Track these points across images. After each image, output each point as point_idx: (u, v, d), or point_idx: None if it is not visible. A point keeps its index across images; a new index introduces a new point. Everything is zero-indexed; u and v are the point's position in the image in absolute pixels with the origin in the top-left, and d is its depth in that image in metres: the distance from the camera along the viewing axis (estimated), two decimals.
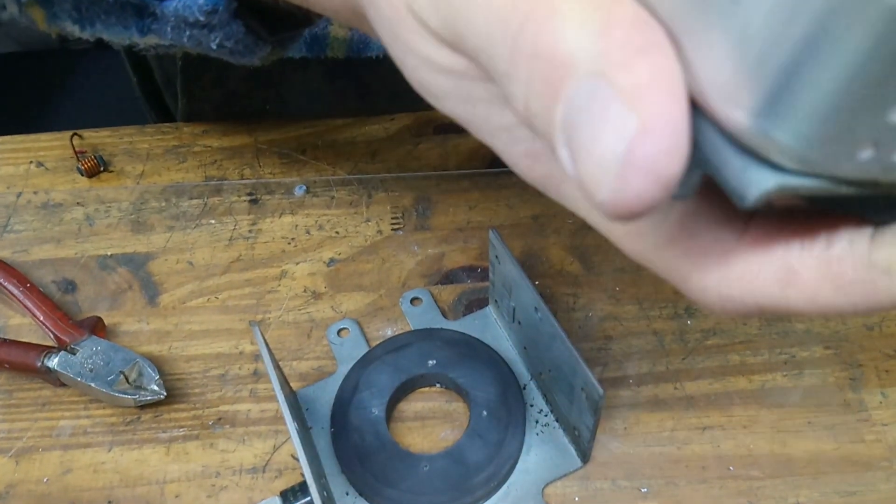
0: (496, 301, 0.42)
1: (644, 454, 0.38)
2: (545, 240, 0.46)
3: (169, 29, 0.29)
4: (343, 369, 0.41)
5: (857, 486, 0.36)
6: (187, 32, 0.29)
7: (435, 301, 0.44)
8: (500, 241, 0.37)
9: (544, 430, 0.39)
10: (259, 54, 0.32)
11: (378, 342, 0.42)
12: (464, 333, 0.41)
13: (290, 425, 0.32)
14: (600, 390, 0.32)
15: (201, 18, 0.28)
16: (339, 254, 0.47)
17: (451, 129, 0.53)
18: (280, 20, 0.33)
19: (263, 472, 0.38)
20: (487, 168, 0.51)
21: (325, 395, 0.40)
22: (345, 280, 0.45)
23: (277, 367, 0.35)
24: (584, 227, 0.47)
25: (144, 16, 0.30)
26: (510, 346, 0.42)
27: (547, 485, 0.37)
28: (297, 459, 0.35)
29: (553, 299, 0.44)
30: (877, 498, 0.36)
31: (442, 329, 0.42)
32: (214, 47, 0.30)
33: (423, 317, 0.43)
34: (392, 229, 0.48)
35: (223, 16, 0.29)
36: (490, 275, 0.41)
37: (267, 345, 0.34)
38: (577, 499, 0.36)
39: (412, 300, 0.44)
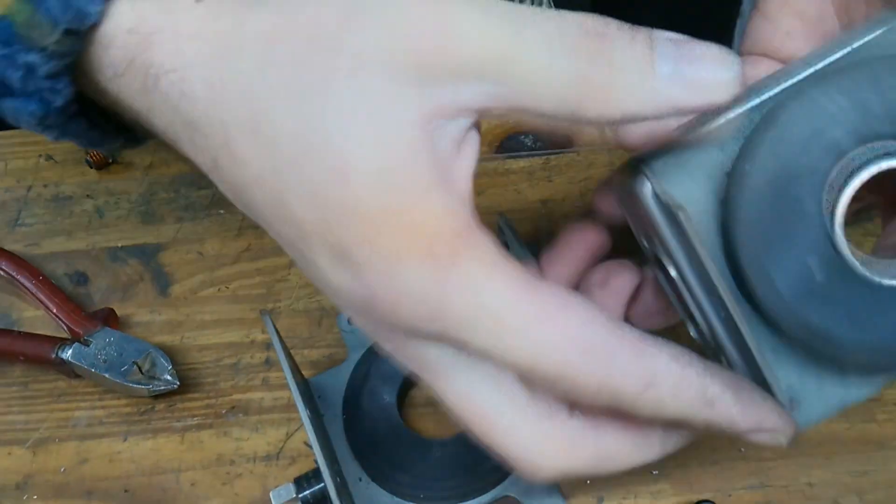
0: None
1: None
2: (554, 224, 0.46)
3: (8, 118, 0.28)
4: (354, 356, 0.41)
5: (869, 465, 0.36)
6: (24, 127, 0.28)
7: None
8: (510, 226, 0.37)
9: None
10: (109, 147, 0.31)
11: None
12: None
13: (303, 413, 0.32)
14: None
15: (33, 122, 0.27)
16: None
17: None
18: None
19: (277, 459, 0.38)
20: (495, 153, 0.50)
21: (337, 382, 0.40)
22: None
23: (289, 356, 0.35)
24: (592, 212, 0.47)
25: None
26: None
27: None
28: (310, 446, 0.35)
29: None
30: (889, 477, 0.36)
31: None
32: (52, 139, 0.29)
33: None
34: None
35: (57, 118, 0.28)
36: None
37: (278, 333, 0.35)
38: (588, 481, 0.36)
39: None
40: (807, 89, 0.24)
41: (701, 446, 0.37)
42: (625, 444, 0.25)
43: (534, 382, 0.24)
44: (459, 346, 0.23)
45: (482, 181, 0.49)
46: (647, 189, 0.25)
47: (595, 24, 0.22)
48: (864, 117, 0.23)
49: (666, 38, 0.22)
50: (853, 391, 0.26)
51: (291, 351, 0.42)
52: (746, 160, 0.24)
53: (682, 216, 0.24)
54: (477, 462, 0.36)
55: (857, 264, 0.23)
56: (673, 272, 0.26)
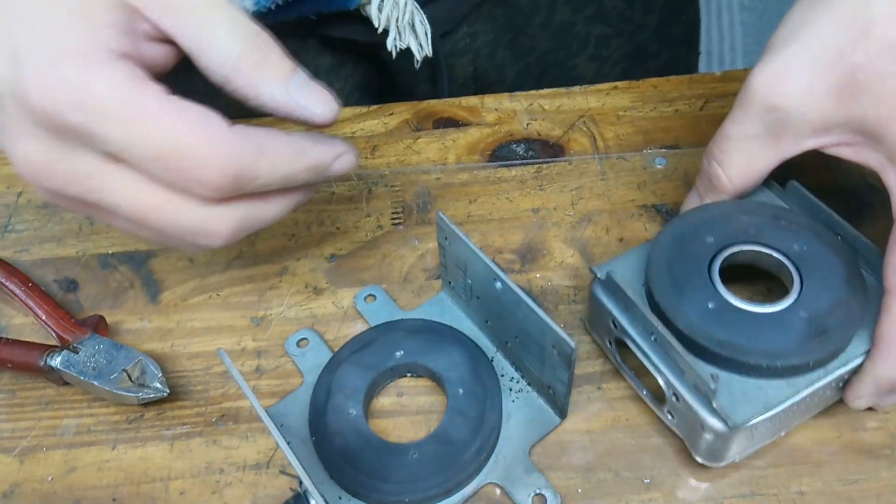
0: (449, 283, 0.42)
1: (646, 445, 0.38)
2: (545, 232, 0.46)
3: None
4: (310, 379, 0.40)
5: (860, 474, 0.36)
6: None
7: (388, 295, 0.44)
8: (448, 221, 0.38)
9: (519, 395, 0.39)
10: None
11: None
12: (424, 319, 0.42)
13: (278, 438, 0.32)
14: (571, 343, 0.33)
15: None
16: (340, 249, 0.47)
17: (450, 123, 0.53)
18: None
19: (267, 467, 0.38)
20: (487, 162, 0.51)
21: (296, 407, 0.39)
22: (346, 275, 0.45)
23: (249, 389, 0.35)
24: (584, 220, 0.47)
25: None
26: (471, 323, 0.42)
27: (532, 445, 0.38)
28: (293, 467, 0.34)
29: (554, 292, 0.44)
30: (879, 486, 0.36)
31: (402, 320, 0.42)
32: None
33: (380, 312, 0.43)
34: (392, 224, 0.48)
35: None
36: (441, 258, 0.41)
37: (235, 368, 0.34)
38: (580, 490, 0.36)
39: (366, 297, 0.44)
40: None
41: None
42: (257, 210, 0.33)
43: (159, 173, 0.30)
44: (97, 140, 0.30)
45: (474, 189, 0.49)
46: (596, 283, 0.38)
47: (267, 39, 0.33)
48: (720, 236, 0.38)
49: (304, 75, 0.33)
50: (772, 393, 0.34)
51: (281, 359, 0.42)
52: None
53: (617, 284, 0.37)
54: (453, 456, 0.36)
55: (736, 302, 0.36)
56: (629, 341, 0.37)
